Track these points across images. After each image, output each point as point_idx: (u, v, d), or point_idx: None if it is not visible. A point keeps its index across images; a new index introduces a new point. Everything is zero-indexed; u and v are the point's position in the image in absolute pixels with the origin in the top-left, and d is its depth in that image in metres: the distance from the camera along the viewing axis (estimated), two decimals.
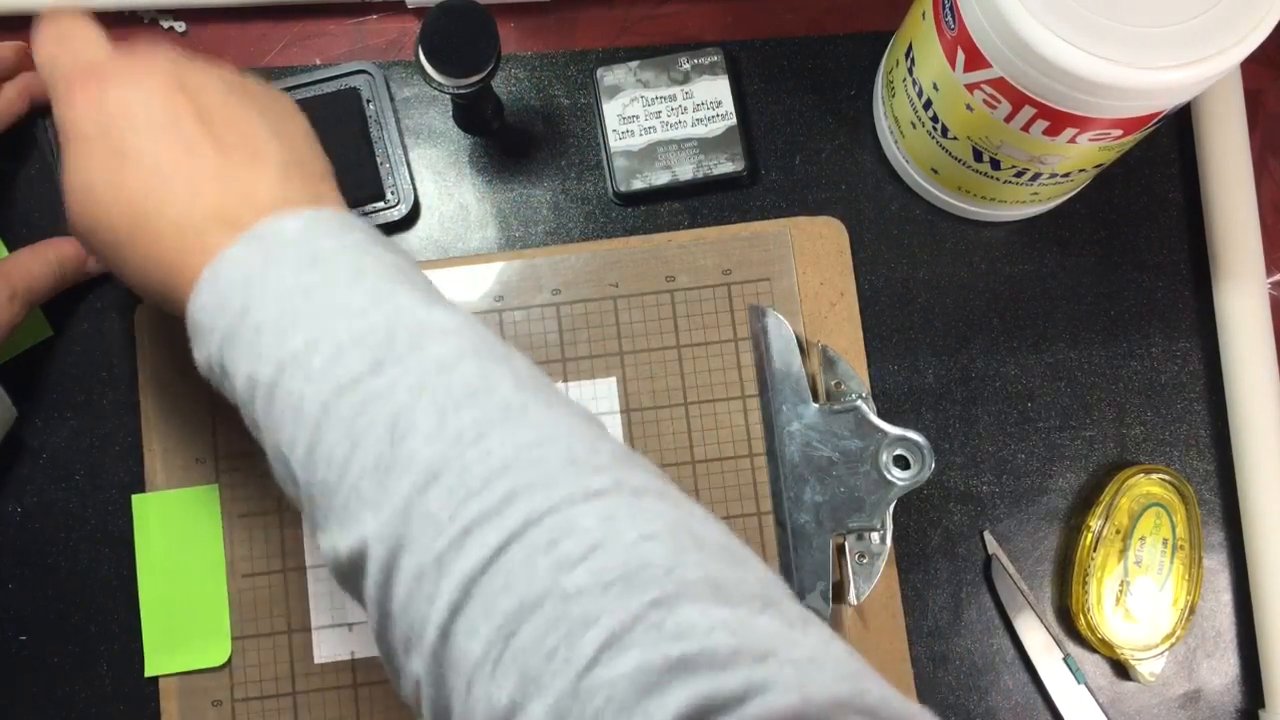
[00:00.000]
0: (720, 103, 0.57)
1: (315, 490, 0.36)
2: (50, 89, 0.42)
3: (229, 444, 0.55)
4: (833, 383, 0.54)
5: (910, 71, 0.52)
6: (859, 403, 0.53)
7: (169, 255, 0.39)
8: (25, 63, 0.55)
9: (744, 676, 0.30)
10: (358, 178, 0.56)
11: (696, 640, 0.30)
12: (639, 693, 0.29)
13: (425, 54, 0.49)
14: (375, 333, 0.36)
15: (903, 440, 0.52)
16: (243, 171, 0.39)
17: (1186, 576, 0.55)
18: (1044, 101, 0.44)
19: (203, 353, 0.39)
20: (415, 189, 0.57)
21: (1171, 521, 0.55)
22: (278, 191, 0.39)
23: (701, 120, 0.57)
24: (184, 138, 0.39)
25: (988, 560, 0.56)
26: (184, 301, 0.39)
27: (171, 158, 0.39)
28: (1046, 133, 0.47)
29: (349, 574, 0.36)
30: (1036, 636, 0.55)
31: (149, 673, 0.53)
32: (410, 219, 0.57)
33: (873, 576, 0.52)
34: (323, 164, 0.43)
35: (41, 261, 0.52)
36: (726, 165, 0.57)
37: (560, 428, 0.35)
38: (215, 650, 0.53)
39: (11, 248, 0.57)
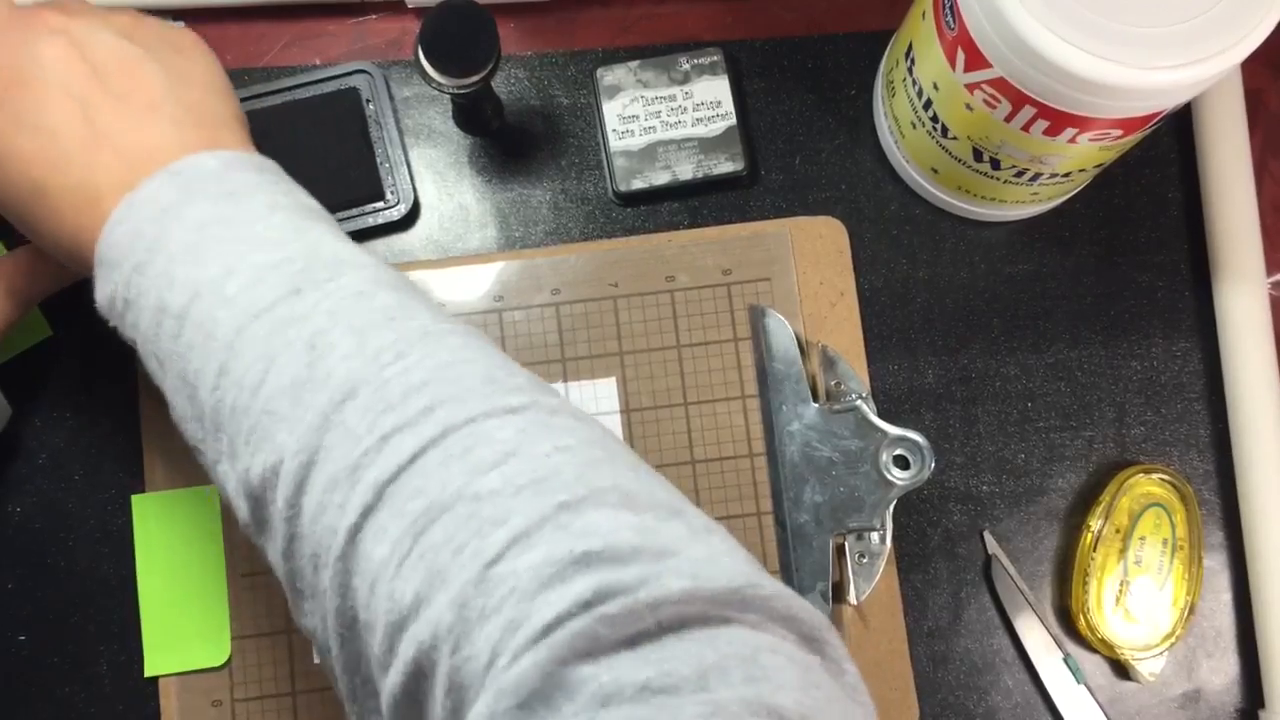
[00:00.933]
0: (720, 102, 0.57)
1: (224, 417, 0.36)
2: None
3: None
4: (832, 383, 0.54)
5: (910, 71, 0.52)
6: (859, 403, 0.53)
7: (71, 216, 0.39)
8: None
9: (641, 569, 0.30)
10: (357, 178, 0.56)
11: (600, 539, 0.31)
12: (541, 584, 0.30)
13: (425, 54, 0.49)
14: (293, 263, 0.36)
15: (903, 440, 0.52)
16: (139, 129, 0.39)
17: (1186, 576, 0.55)
18: (1044, 101, 0.44)
19: (107, 288, 0.38)
20: (415, 189, 0.57)
21: (1171, 521, 0.55)
22: (174, 141, 0.39)
23: (701, 120, 0.57)
24: (77, 99, 0.39)
25: (988, 560, 0.56)
26: (90, 259, 0.39)
27: (67, 121, 0.39)
28: (1047, 133, 0.47)
29: (259, 499, 0.35)
30: (1036, 636, 0.55)
31: (149, 673, 0.53)
32: (410, 219, 0.57)
33: (872, 576, 0.52)
34: (224, 107, 0.42)
35: (39, 259, 0.52)
36: (726, 165, 0.57)
37: (477, 353, 0.36)
38: (215, 650, 0.53)
39: (10, 245, 0.57)
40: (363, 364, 0.34)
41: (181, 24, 0.44)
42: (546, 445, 0.33)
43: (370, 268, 0.37)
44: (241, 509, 0.37)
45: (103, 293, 0.39)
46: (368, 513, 0.33)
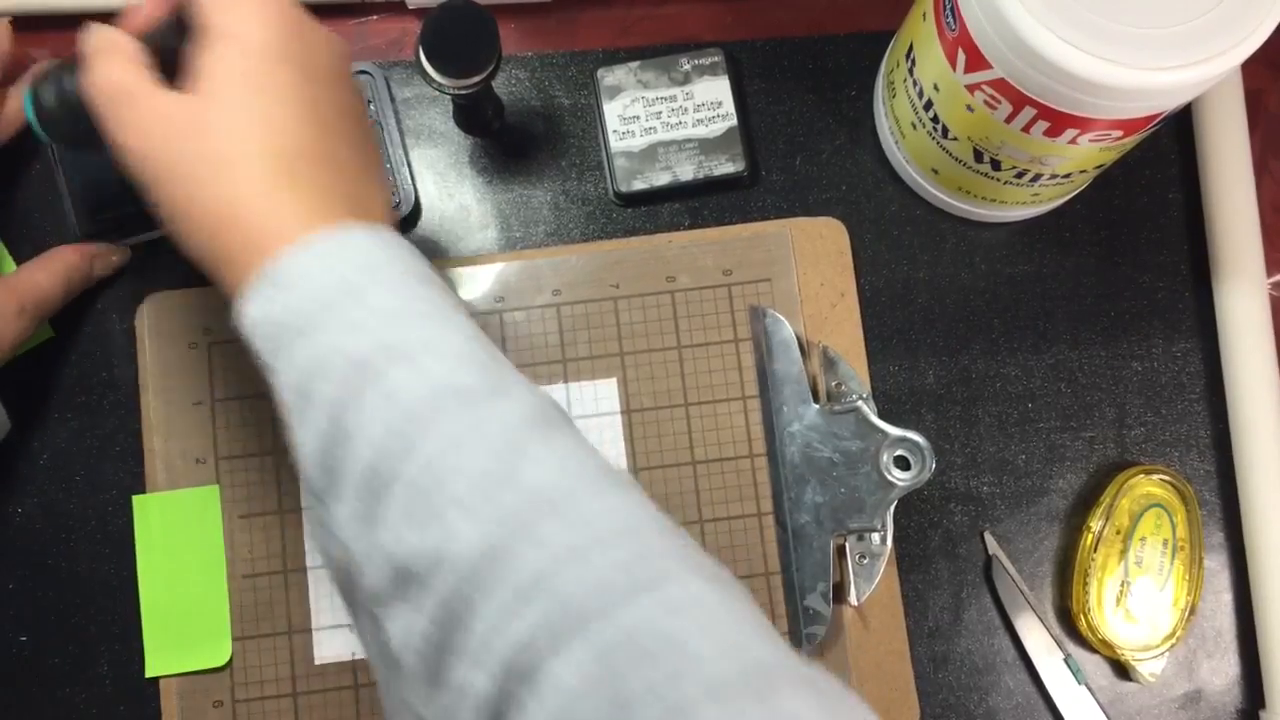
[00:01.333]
0: (721, 103, 0.57)
1: (380, 478, 0.35)
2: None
3: (229, 444, 0.55)
4: (833, 383, 0.54)
5: (911, 72, 0.52)
6: (859, 403, 0.53)
7: (257, 215, 0.38)
8: (22, 64, 0.54)
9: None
10: None
11: None
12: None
13: (426, 54, 0.49)
14: (487, 360, 0.37)
15: (903, 441, 0.52)
16: (365, 173, 0.41)
17: (1187, 577, 0.55)
18: (1045, 102, 0.44)
19: (267, 307, 0.37)
20: (416, 189, 0.57)
21: (1172, 522, 0.55)
22: (379, 204, 0.41)
23: (702, 121, 0.57)
24: (345, 134, 0.41)
25: (988, 561, 0.56)
26: (241, 263, 0.38)
27: (318, 135, 0.40)
28: (1047, 133, 0.47)
29: (408, 574, 0.34)
30: (1037, 637, 0.55)
31: (149, 673, 0.53)
32: (411, 219, 0.57)
33: (873, 577, 0.52)
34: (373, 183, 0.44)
35: (49, 274, 0.52)
36: (727, 166, 0.57)
37: (653, 510, 0.36)
38: (216, 651, 0.53)
39: (12, 249, 0.57)
40: (562, 480, 0.34)
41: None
42: (744, 610, 0.33)
43: (544, 394, 0.38)
44: (375, 574, 0.35)
45: (258, 308, 0.38)
46: (561, 635, 0.32)
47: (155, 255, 0.57)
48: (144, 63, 0.41)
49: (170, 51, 0.42)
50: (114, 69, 0.40)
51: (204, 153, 0.39)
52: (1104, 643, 0.54)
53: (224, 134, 0.39)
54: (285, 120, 0.39)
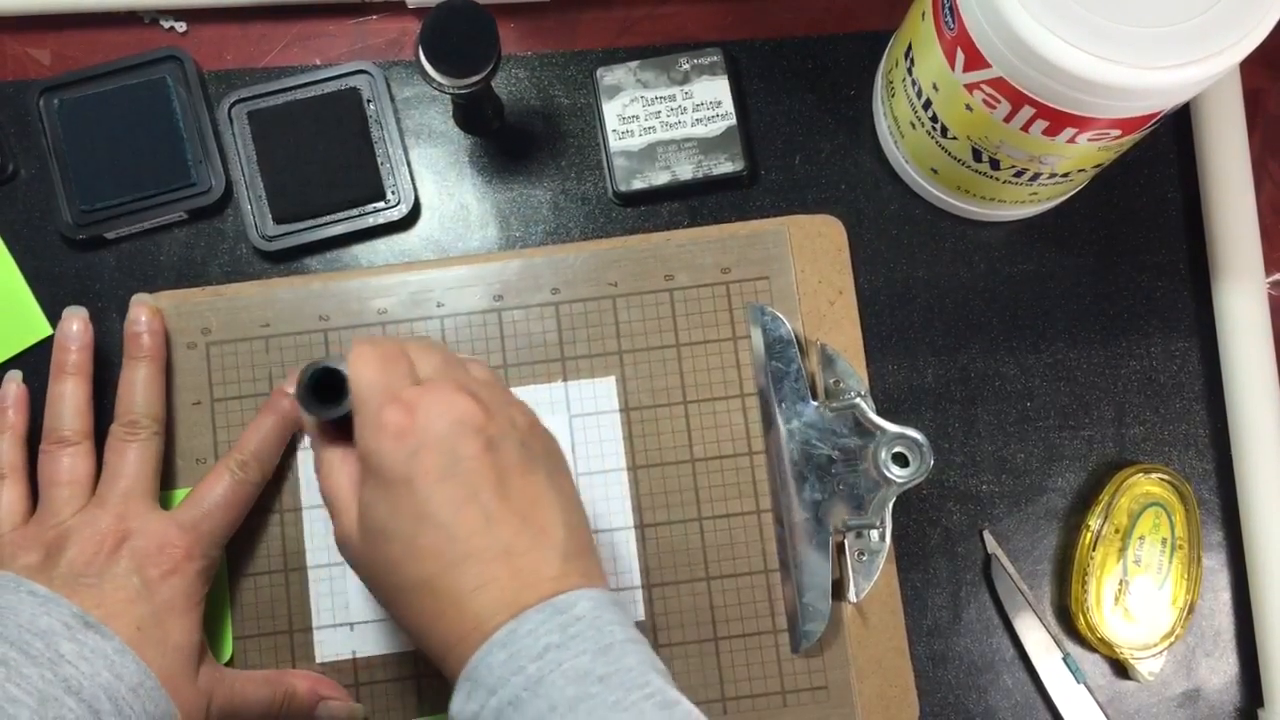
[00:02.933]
0: (720, 103, 0.57)
1: None
2: (358, 409, 0.42)
3: (229, 445, 0.55)
4: (831, 381, 0.54)
5: (910, 71, 0.52)
6: (858, 400, 0.53)
7: (449, 620, 0.40)
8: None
9: None
10: (358, 178, 0.56)
11: None
12: None
13: (425, 54, 0.49)
14: None
15: (901, 438, 0.52)
16: (533, 551, 0.40)
17: (1185, 576, 0.55)
18: (1043, 101, 0.45)
19: (471, 705, 0.39)
20: (415, 189, 0.57)
21: (1170, 521, 0.55)
22: (559, 570, 0.40)
23: (701, 120, 0.57)
24: (483, 509, 0.40)
25: (987, 559, 0.56)
26: (453, 664, 0.40)
27: (468, 529, 0.40)
28: (1046, 133, 0.47)
29: None
30: (1036, 636, 0.55)
31: None
32: (410, 219, 0.57)
33: (872, 574, 0.52)
34: (587, 527, 0.44)
35: (264, 683, 0.52)
36: (726, 165, 0.57)
37: None
38: (217, 650, 0.53)
39: (13, 249, 0.57)
40: None
41: (548, 431, 0.45)
42: None
43: None
44: None
45: (464, 707, 0.39)
46: None
47: (155, 255, 0.57)
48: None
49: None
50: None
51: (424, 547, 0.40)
52: (1102, 641, 0.54)
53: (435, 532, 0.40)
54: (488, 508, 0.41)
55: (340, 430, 0.44)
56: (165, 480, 0.54)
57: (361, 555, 0.42)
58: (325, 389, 0.44)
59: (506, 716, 0.38)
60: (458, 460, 0.40)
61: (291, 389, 0.53)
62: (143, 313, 0.54)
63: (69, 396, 0.52)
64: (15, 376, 0.53)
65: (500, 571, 0.40)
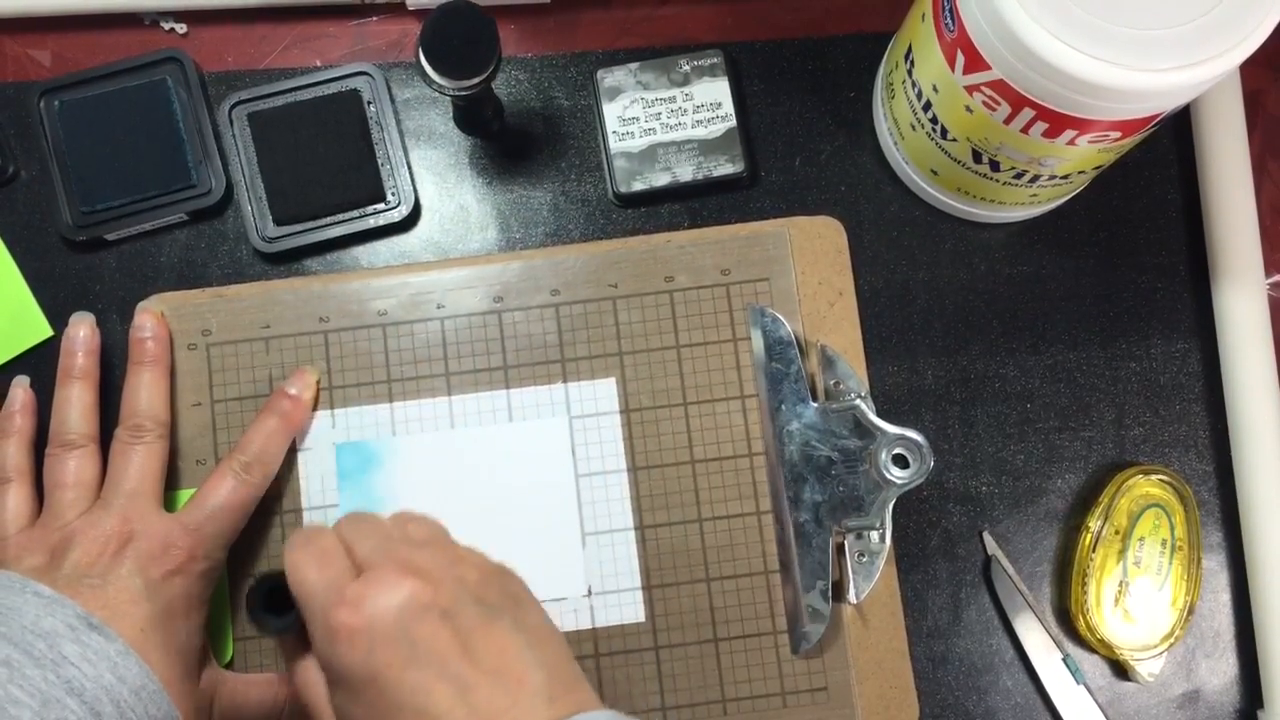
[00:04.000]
0: (720, 104, 0.57)
1: None
2: (307, 618, 0.42)
3: (229, 446, 0.55)
4: (831, 382, 0.54)
5: (910, 73, 0.52)
6: (858, 402, 0.53)
7: None
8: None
9: None
10: (358, 179, 0.56)
11: None
12: None
13: (426, 56, 0.49)
14: None
15: (901, 439, 0.52)
16: (515, 707, 0.39)
17: (1185, 577, 0.55)
18: (1043, 103, 0.45)
19: None
20: (416, 190, 0.57)
21: (1170, 522, 0.55)
22: (546, 714, 0.39)
23: (701, 122, 0.57)
24: (454, 682, 0.39)
25: (987, 561, 0.56)
26: None
27: (445, 707, 0.39)
28: (1046, 134, 0.47)
29: None
30: (1036, 637, 0.55)
31: None
32: (411, 220, 0.57)
33: (872, 575, 0.52)
34: (567, 654, 0.43)
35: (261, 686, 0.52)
36: (726, 167, 0.57)
37: None
38: (218, 652, 0.53)
39: (14, 251, 0.57)
40: None
41: (502, 564, 0.44)
42: None
43: None
44: None
45: None
46: None
47: (155, 256, 0.57)
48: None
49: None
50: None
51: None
52: (1102, 642, 0.54)
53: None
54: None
55: (304, 632, 0.43)
56: (167, 481, 0.54)
57: None
58: (277, 596, 0.43)
59: None
60: (415, 645, 0.39)
61: (293, 390, 0.53)
62: (148, 319, 0.54)
63: (75, 400, 0.52)
64: (23, 382, 0.54)
65: None
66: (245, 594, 0.44)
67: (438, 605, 0.40)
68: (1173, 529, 0.55)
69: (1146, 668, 0.54)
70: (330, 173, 0.56)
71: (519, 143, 0.59)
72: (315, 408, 0.55)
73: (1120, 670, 0.55)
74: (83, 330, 0.54)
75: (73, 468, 0.51)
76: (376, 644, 0.39)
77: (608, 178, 0.58)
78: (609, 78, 0.58)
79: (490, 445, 0.55)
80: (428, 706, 0.39)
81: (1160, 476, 0.55)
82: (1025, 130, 0.47)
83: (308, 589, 0.41)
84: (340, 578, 0.41)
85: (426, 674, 0.39)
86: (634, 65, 0.58)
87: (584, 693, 0.41)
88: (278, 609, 0.43)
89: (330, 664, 0.40)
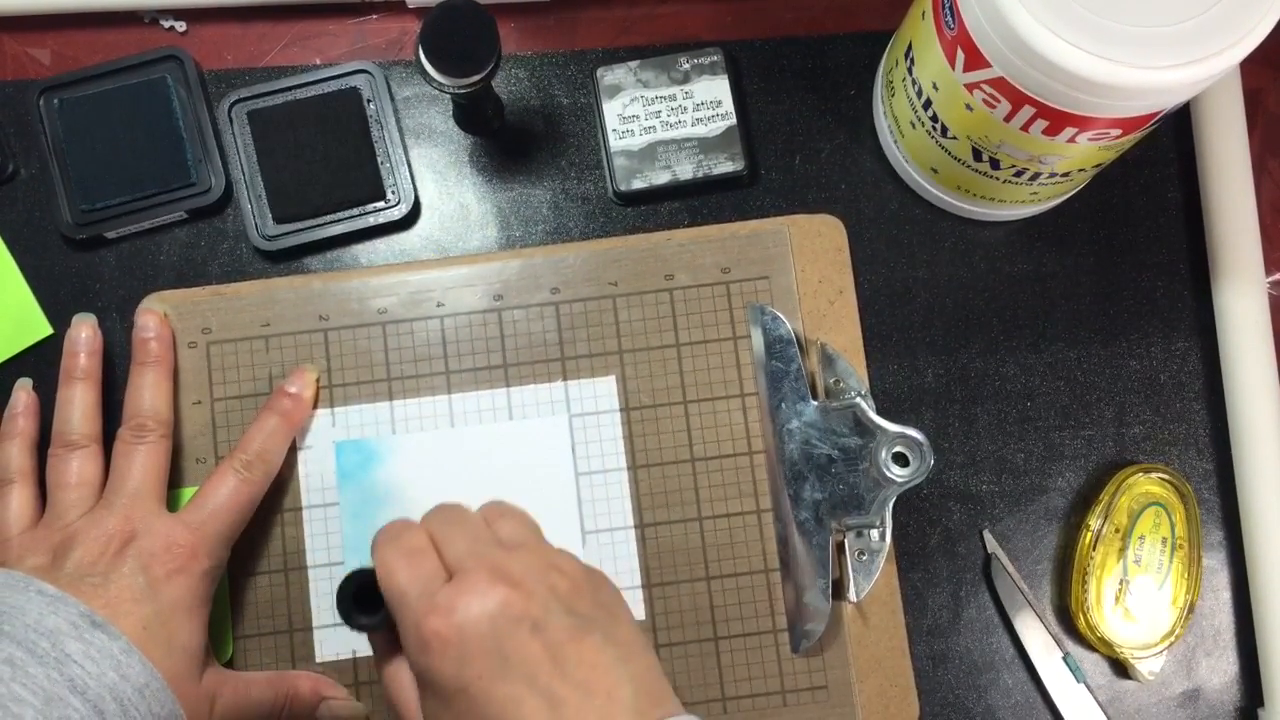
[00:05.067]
0: (720, 102, 0.57)
1: None
2: (398, 622, 0.41)
3: (229, 444, 0.55)
4: (831, 380, 0.54)
5: (910, 71, 0.52)
6: (858, 400, 0.53)
7: None
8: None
9: None
10: (358, 177, 0.56)
11: None
12: None
13: (426, 54, 0.49)
14: None
15: (902, 437, 0.52)
16: (605, 719, 0.39)
17: (1186, 575, 0.55)
18: (1043, 101, 0.45)
19: None
20: (415, 188, 0.57)
21: (1171, 520, 0.55)
22: None
23: (701, 120, 0.57)
24: (544, 695, 0.39)
25: (987, 559, 0.56)
26: None
27: (533, 717, 0.39)
28: (1046, 132, 0.47)
29: None
30: (1036, 635, 0.55)
31: None
32: (410, 219, 0.57)
33: (872, 574, 0.52)
34: (656, 665, 0.42)
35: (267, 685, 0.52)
36: (726, 165, 0.57)
37: None
38: (218, 650, 0.53)
39: (13, 249, 0.57)
40: None
41: (594, 569, 0.43)
42: None
43: None
44: None
45: None
46: None
47: (155, 255, 0.57)
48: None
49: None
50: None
51: None
52: (1103, 641, 0.54)
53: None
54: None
55: (392, 632, 0.43)
56: (169, 480, 0.54)
57: None
58: (366, 593, 0.43)
59: None
60: (507, 657, 0.39)
61: (293, 388, 0.53)
62: (151, 319, 0.54)
63: (77, 401, 0.52)
64: (25, 384, 0.54)
65: None
66: (337, 590, 0.43)
67: (529, 616, 0.40)
68: (1173, 527, 0.55)
69: (1147, 666, 0.54)
70: (330, 171, 0.56)
71: (519, 141, 0.59)
72: (315, 406, 0.55)
73: (1120, 669, 0.55)
74: (85, 331, 0.54)
75: (75, 468, 0.51)
76: (468, 655, 0.39)
77: (608, 176, 0.58)
78: (609, 76, 0.58)
79: (490, 443, 0.55)
80: (516, 718, 0.39)
81: (1160, 475, 0.55)
82: (1025, 128, 0.47)
83: (399, 589, 0.41)
84: (432, 580, 0.41)
85: (517, 687, 0.39)
86: (634, 63, 0.58)
87: (670, 704, 0.41)
88: (367, 606, 0.43)
89: (422, 671, 0.40)
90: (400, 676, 0.43)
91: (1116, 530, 0.55)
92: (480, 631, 0.39)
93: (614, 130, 0.57)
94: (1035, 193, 0.54)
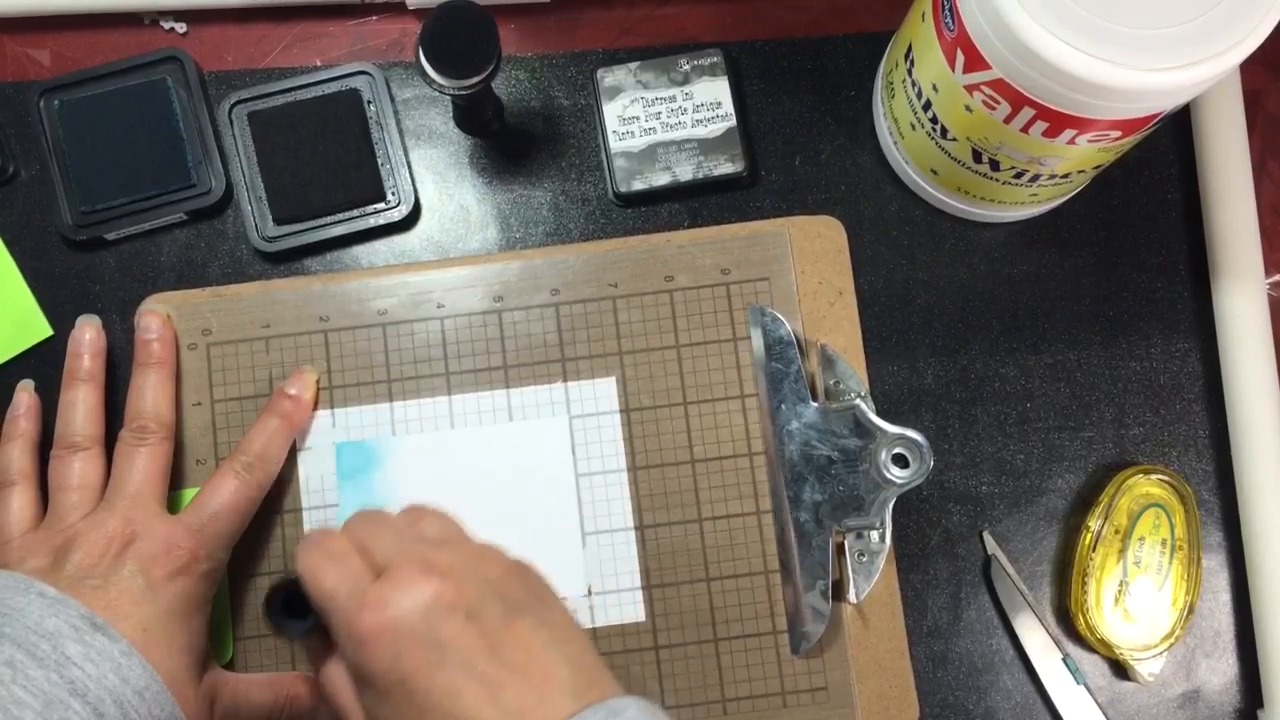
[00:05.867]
0: (720, 104, 0.57)
1: None
2: (329, 622, 0.41)
3: (229, 445, 0.55)
4: (831, 381, 0.54)
5: (910, 73, 0.52)
6: (858, 401, 0.53)
7: None
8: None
9: None
10: (358, 179, 0.56)
11: None
12: None
13: (426, 55, 0.49)
14: None
15: (901, 439, 0.52)
16: (543, 704, 0.39)
17: (1185, 576, 0.55)
18: (1043, 103, 0.45)
19: None
20: (416, 190, 0.57)
21: (1170, 522, 0.55)
22: (572, 707, 0.39)
23: (701, 121, 0.57)
24: (481, 681, 0.39)
25: (987, 560, 0.56)
26: None
27: (474, 708, 0.39)
28: (1046, 134, 0.47)
29: None
30: (1035, 637, 0.55)
31: None
32: (411, 220, 0.57)
33: (872, 575, 0.52)
34: (590, 645, 0.42)
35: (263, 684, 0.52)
36: (726, 166, 0.57)
37: None
38: (218, 652, 0.53)
39: (13, 250, 0.57)
40: None
41: (521, 559, 0.43)
42: None
43: None
44: None
45: None
46: None
47: (155, 256, 0.57)
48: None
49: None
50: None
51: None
52: (1102, 642, 0.54)
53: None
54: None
55: (326, 634, 0.43)
56: (169, 481, 0.54)
57: None
58: (295, 601, 0.43)
59: None
60: (443, 646, 0.39)
61: (293, 390, 0.53)
62: (154, 320, 0.54)
63: (80, 403, 0.52)
64: (27, 386, 0.54)
65: None
66: (263, 601, 0.43)
67: (462, 604, 0.40)
68: (1173, 529, 0.55)
69: (1146, 667, 0.54)
70: (330, 172, 0.56)
71: (519, 142, 0.59)
72: (316, 407, 0.55)
73: (1120, 670, 0.55)
74: (89, 333, 0.54)
75: (77, 470, 0.51)
76: (403, 647, 0.39)
77: (608, 177, 0.58)
78: (609, 77, 0.58)
79: (490, 445, 0.55)
80: (457, 708, 0.39)
81: (1160, 476, 0.55)
82: (1025, 130, 0.47)
83: (326, 592, 0.41)
84: (359, 580, 0.41)
85: (455, 675, 0.39)
86: (634, 65, 0.58)
87: (608, 685, 0.41)
88: (296, 613, 0.43)
89: (357, 667, 0.40)
90: (336, 677, 0.43)
91: (1116, 531, 0.55)
92: (414, 623, 0.39)
93: (614, 131, 0.57)
94: (1035, 194, 0.54)
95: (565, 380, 0.56)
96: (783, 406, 0.54)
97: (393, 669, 0.39)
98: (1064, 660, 0.54)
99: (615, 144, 0.57)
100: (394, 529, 0.43)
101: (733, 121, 0.57)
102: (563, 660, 0.40)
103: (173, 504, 0.53)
